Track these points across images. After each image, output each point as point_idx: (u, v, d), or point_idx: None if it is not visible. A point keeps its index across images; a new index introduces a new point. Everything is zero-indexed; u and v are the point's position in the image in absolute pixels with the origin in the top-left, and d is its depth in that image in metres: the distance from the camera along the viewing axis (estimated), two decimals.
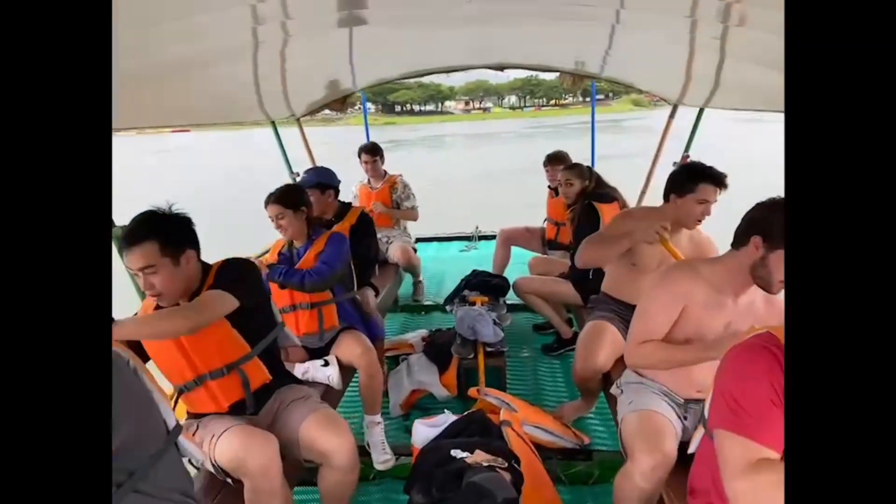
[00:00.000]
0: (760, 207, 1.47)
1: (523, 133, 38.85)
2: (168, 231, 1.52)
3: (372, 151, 3.91)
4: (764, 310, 1.59)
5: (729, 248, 1.57)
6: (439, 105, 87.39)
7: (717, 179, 2.00)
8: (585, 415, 2.52)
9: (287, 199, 2.28)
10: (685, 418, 1.69)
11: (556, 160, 3.86)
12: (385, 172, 3.98)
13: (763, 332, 1.14)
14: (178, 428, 1.16)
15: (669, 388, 1.74)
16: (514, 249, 4.05)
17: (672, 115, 3.89)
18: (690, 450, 1.43)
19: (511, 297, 3.39)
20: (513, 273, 3.62)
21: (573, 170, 3.28)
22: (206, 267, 1.66)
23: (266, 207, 2.30)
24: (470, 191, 14.09)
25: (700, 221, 2.07)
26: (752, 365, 1.07)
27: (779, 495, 0.96)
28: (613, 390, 1.92)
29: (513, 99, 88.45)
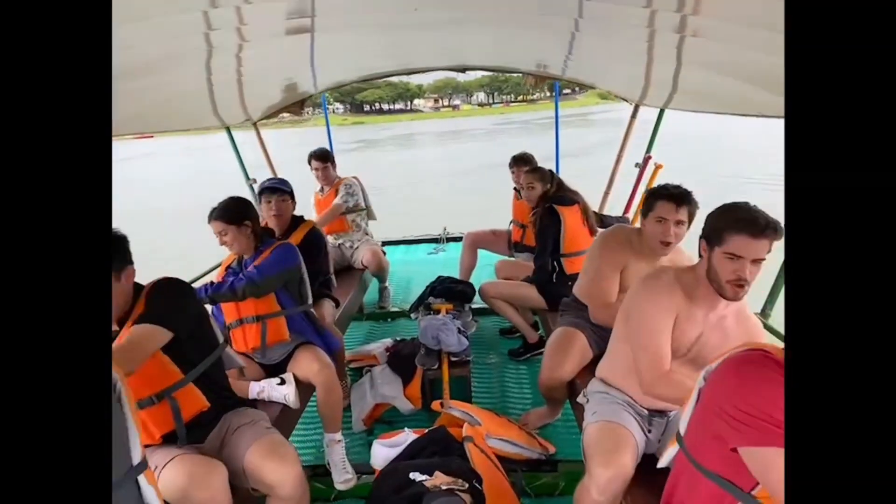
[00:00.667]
0: (714, 214, 1.48)
1: (492, 129, 39.35)
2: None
3: (322, 158, 3.77)
4: (732, 326, 1.58)
5: None
6: (408, 103, 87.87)
7: (674, 196, 1.92)
8: (551, 422, 2.50)
9: (230, 214, 2.16)
10: (649, 431, 1.68)
11: (521, 162, 3.83)
12: (336, 177, 3.84)
13: (748, 349, 1.11)
14: (143, 465, 1.10)
15: (634, 399, 1.73)
16: (481, 252, 4.02)
17: (634, 115, 3.91)
18: (661, 464, 1.39)
19: (477, 301, 3.36)
20: (480, 276, 3.59)
21: (535, 173, 3.26)
22: (137, 287, 1.58)
23: (209, 223, 2.18)
24: (440, 188, 14.25)
25: (665, 243, 1.96)
26: (765, 377, 1.02)
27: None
28: (580, 399, 1.90)
29: (481, 96, 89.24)
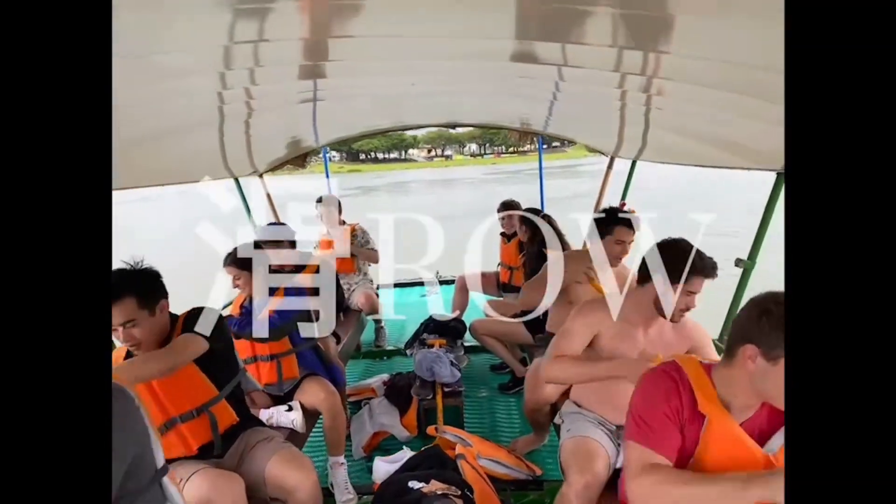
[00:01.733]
0: (655, 248, 1.73)
1: (484, 179, 40.67)
2: (143, 285, 1.65)
3: (328, 202, 4.01)
4: (673, 336, 1.83)
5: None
6: (403, 153, 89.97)
7: (629, 222, 2.32)
8: (537, 448, 2.68)
9: (243, 260, 2.41)
10: (618, 445, 1.87)
11: (509, 206, 4.13)
12: (343, 221, 4.08)
13: (669, 361, 1.37)
14: (164, 469, 1.22)
15: (603, 417, 1.93)
16: (472, 293, 4.26)
17: (609, 167, 4.26)
18: (618, 465, 1.62)
19: (469, 339, 3.58)
20: (471, 316, 3.81)
21: (527, 223, 3.57)
22: (173, 317, 1.78)
23: (224, 268, 2.43)
24: (433, 234, 14.64)
25: (619, 259, 2.36)
26: (654, 387, 1.30)
27: (666, 492, 1.17)
28: (557, 419, 2.11)
29: (473, 147, 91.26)
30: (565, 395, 2.37)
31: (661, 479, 1.18)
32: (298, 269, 3.06)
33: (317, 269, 3.08)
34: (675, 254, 1.68)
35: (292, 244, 3.10)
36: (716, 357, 1.83)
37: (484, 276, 4.28)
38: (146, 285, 1.66)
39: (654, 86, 1.77)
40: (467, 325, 3.56)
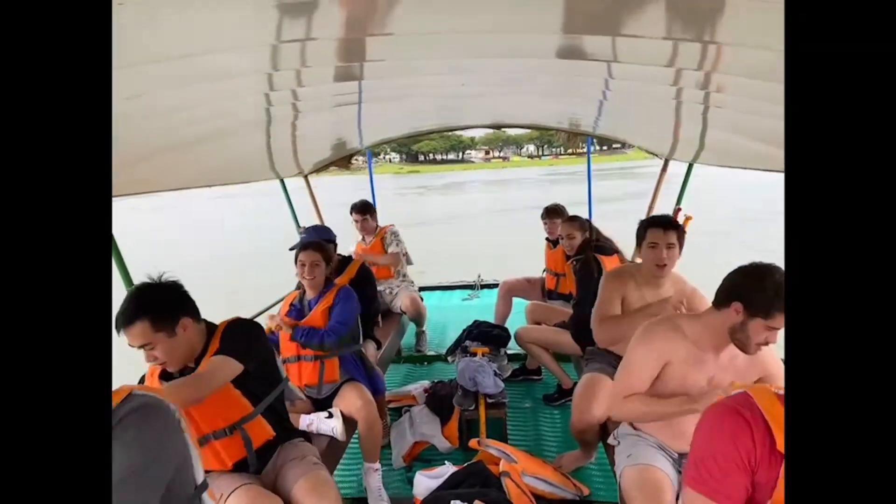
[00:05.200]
0: (742, 274, 1.53)
1: (539, 179, 41.41)
2: (158, 306, 1.55)
3: (361, 210, 4.01)
4: (745, 363, 1.66)
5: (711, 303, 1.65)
6: (461, 154, 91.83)
7: (660, 222, 2.17)
8: (584, 465, 2.56)
9: (323, 248, 2.44)
10: (680, 472, 1.74)
11: (553, 213, 3.99)
12: (377, 227, 4.07)
13: (740, 392, 1.22)
14: (205, 485, 1.21)
15: (663, 442, 1.79)
16: (515, 300, 4.15)
17: (664, 169, 4.06)
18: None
19: (511, 347, 3.47)
20: (515, 324, 3.71)
21: (574, 222, 3.41)
22: (210, 327, 1.74)
23: (303, 252, 2.44)
24: (489, 231, 16.09)
25: (661, 266, 2.16)
26: (719, 426, 1.14)
27: None
28: (610, 440, 1.98)
29: (531, 148, 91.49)
30: None
31: None
32: (339, 271, 3.07)
33: (358, 271, 3.07)
34: (767, 285, 1.46)
35: (335, 245, 3.13)
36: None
37: (528, 281, 4.18)
38: (160, 306, 1.57)
39: (713, 82, 1.63)
40: (511, 332, 3.46)
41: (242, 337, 1.75)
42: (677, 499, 1.65)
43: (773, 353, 1.71)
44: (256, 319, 2.24)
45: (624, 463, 1.77)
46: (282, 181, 4.14)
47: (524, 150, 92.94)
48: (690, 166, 3.80)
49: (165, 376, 1.68)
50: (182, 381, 1.58)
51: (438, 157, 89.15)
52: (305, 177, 4.39)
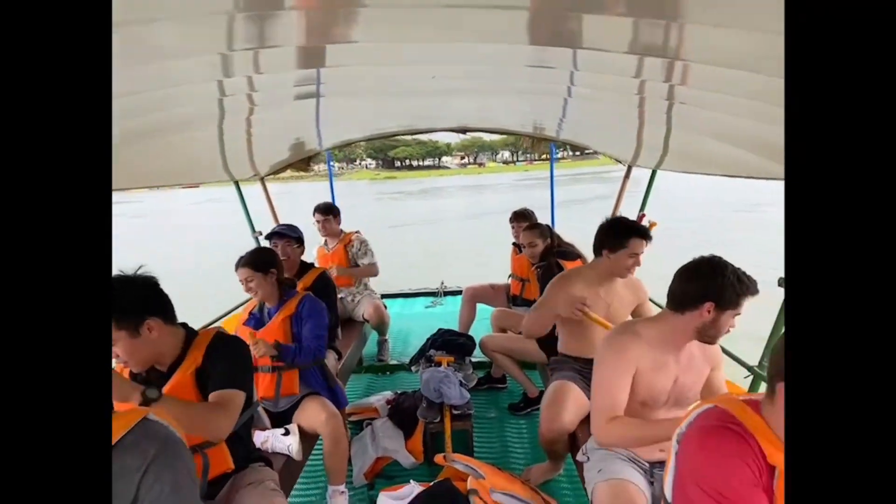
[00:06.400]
0: (704, 275, 1.56)
1: (514, 185, 42.46)
2: (122, 303, 1.42)
3: (325, 211, 3.81)
4: (700, 360, 1.72)
5: (667, 307, 1.65)
6: (437, 160, 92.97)
7: (643, 233, 2.22)
8: (552, 478, 2.49)
9: (256, 263, 2.30)
10: (652, 483, 1.70)
11: (521, 217, 3.95)
12: (341, 231, 3.90)
13: (710, 408, 1.15)
14: None
15: (635, 454, 1.75)
16: (480, 306, 4.08)
17: (627, 176, 4.08)
18: None
19: (476, 355, 3.38)
20: (479, 330, 3.63)
21: (534, 230, 3.37)
22: (189, 333, 1.59)
23: (236, 271, 2.32)
24: (464, 234, 16.99)
25: (631, 272, 2.26)
26: (724, 451, 1.06)
27: None
28: (580, 457, 1.92)
29: (506, 154, 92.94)
30: (587, 420, 2.19)
31: None
32: (300, 275, 2.94)
33: (316, 279, 2.94)
34: (728, 278, 1.53)
35: (300, 242, 3.02)
36: (724, 376, 1.83)
37: (493, 287, 4.12)
38: (127, 302, 1.43)
39: (677, 72, 1.60)
40: (476, 339, 3.38)
41: (240, 362, 1.62)
42: None
43: (718, 351, 1.80)
44: (217, 325, 2.10)
45: (596, 478, 1.72)
46: (237, 184, 3.94)
47: (499, 155, 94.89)
48: (654, 172, 3.82)
49: (133, 376, 1.54)
50: (215, 412, 1.48)
51: (415, 163, 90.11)
52: (262, 179, 4.20)
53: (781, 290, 2.20)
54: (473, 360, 3.43)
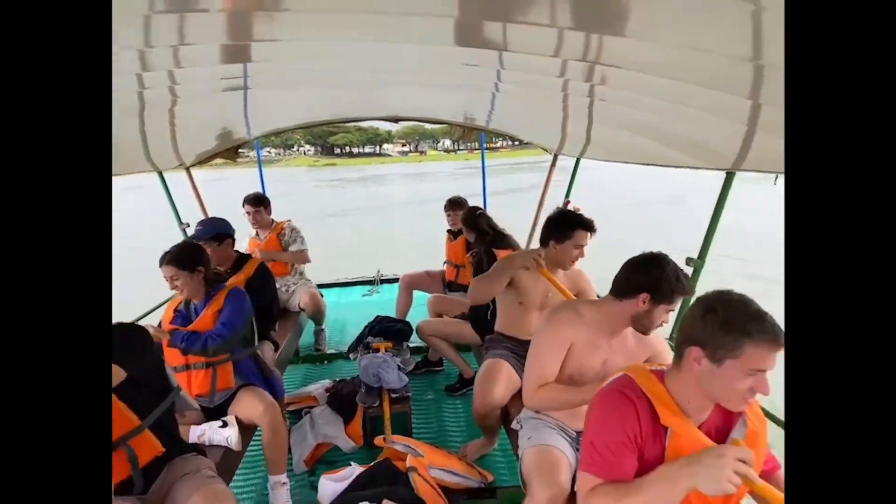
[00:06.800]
0: (645, 268, 1.67)
1: (455, 173, 42.46)
2: None
3: (254, 202, 3.74)
4: (635, 345, 1.82)
5: (609, 293, 1.77)
6: (377, 147, 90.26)
7: (588, 226, 2.28)
8: (488, 452, 2.62)
9: (182, 260, 2.19)
10: (578, 450, 1.84)
11: (456, 205, 4.05)
12: (272, 221, 3.84)
13: (621, 375, 1.31)
14: None
15: (563, 423, 1.89)
16: (416, 293, 4.16)
17: (553, 164, 4.27)
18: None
19: (413, 340, 3.47)
20: (416, 316, 3.71)
21: (468, 221, 3.50)
22: None
23: (160, 268, 2.20)
24: (407, 221, 17.11)
25: (575, 263, 2.33)
26: (609, 411, 1.25)
27: None
28: (514, 425, 2.04)
29: (447, 143, 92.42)
30: (518, 396, 2.32)
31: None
32: (235, 269, 2.87)
33: (256, 270, 2.90)
34: (668, 275, 1.64)
35: (233, 240, 2.93)
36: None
37: (429, 274, 4.20)
38: None
39: (597, 74, 1.71)
40: (413, 325, 3.46)
41: (126, 344, 1.58)
42: (574, 474, 1.74)
43: (660, 336, 1.88)
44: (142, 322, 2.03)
45: (525, 444, 1.83)
46: (160, 174, 3.78)
47: (440, 144, 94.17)
48: (577, 161, 4.02)
49: None
50: None
51: (355, 150, 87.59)
52: (187, 169, 4.05)
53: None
54: (411, 345, 3.51)
